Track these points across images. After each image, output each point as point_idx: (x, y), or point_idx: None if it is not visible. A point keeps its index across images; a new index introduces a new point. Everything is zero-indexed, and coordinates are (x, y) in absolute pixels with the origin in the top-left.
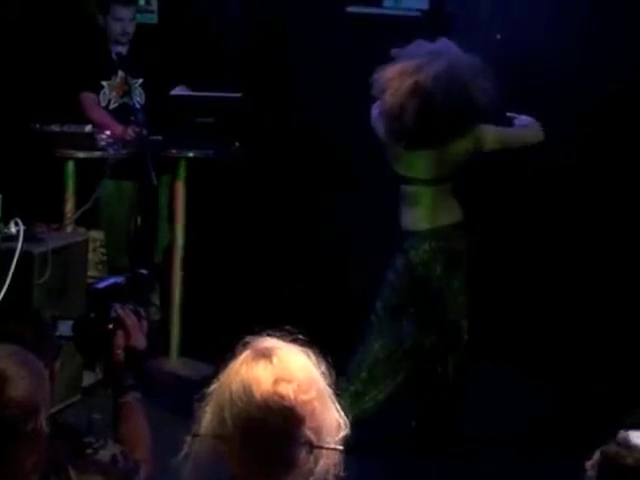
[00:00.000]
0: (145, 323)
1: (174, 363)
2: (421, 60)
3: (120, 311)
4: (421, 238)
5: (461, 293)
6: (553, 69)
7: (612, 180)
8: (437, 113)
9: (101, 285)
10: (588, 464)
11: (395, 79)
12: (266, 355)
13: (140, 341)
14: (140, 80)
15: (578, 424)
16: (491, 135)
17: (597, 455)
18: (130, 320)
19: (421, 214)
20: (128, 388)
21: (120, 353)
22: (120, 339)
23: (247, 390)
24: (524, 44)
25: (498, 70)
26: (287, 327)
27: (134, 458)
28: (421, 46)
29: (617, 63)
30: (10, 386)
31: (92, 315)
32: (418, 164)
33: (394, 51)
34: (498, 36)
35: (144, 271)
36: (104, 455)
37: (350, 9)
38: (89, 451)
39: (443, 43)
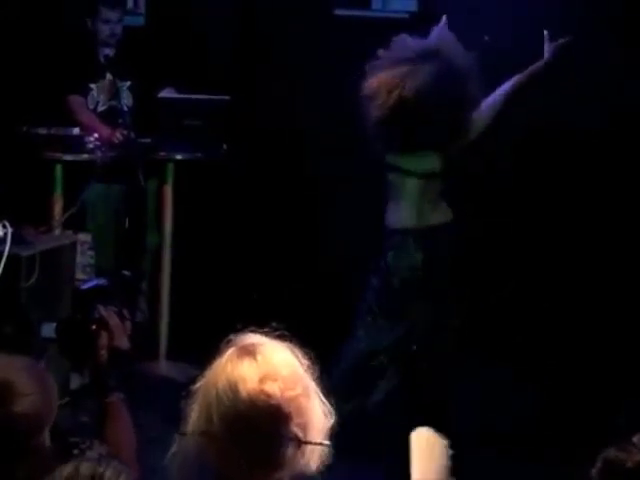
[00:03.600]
0: (129, 324)
1: (163, 366)
2: (406, 68)
3: (103, 312)
4: (405, 238)
5: (447, 294)
6: None
7: (607, 180)
8: (423, 125)
9: (85, 286)
10: (593, 471)
11: (381, 90)
12: (251, 352)
13: (123, 342)
14: (128, 82)
15: (563, 424)
16: (480, 118)
17: (599, 461)
18: (113, 321)
19: (408, 210)
20: (112, 389)
21: (103, 354)
22: (103, 340)
23: (233, 388)
24: (513, 46)
25: (487, 72)
26: (272, 323)
27: (120, 460)
28: (407, 45)
29: (610, 64)
30: (18, 401)
31: (77, 316)
32: (409, 157)
33: (380, 52)
34: (486, 38)
35: (128, 272)
36: (91, 457)
37: (338, 11)
38: (76, 452)
39: (436, 37)
